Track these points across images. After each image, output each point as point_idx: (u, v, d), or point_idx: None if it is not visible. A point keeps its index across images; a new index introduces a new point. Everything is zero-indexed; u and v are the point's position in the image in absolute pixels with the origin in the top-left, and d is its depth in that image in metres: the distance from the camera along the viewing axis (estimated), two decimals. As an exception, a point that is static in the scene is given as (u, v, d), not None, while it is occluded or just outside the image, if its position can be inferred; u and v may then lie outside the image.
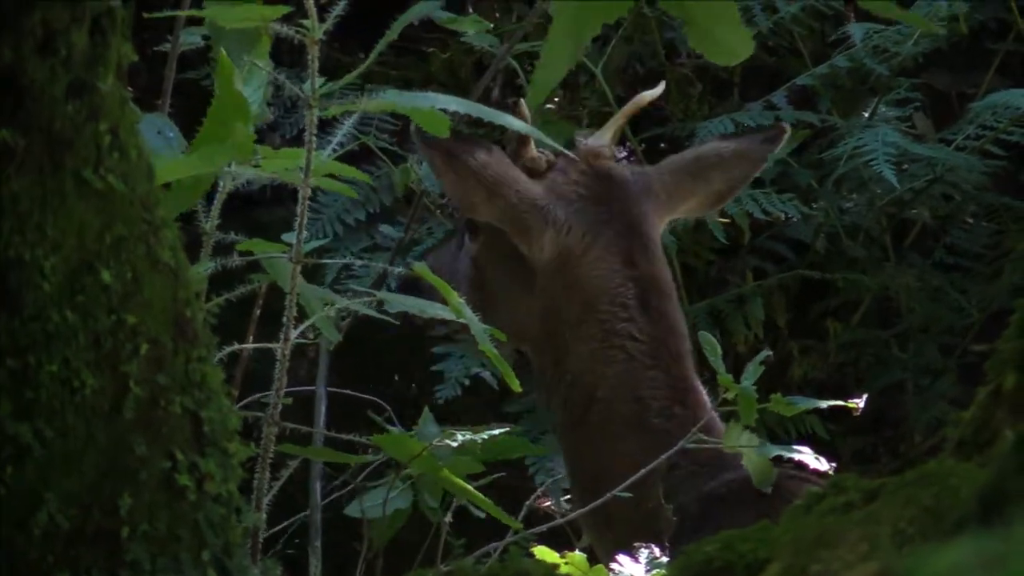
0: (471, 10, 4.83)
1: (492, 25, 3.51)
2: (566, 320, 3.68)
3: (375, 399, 3.43)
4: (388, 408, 3.36)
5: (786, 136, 3.79)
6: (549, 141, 3.09)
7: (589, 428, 3.63)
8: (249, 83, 2.87)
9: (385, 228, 5.12)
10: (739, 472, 3.31)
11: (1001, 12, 5.33)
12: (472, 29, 3.34)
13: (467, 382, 4.96)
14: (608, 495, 3.25)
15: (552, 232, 3.67)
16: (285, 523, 3.66)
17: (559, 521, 3.65)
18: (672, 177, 3.74)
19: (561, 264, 3.67)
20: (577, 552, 2.56)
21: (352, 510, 3.18)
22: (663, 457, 3.30)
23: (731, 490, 3.38)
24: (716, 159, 3.77)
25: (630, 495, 3.28)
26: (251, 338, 3.26)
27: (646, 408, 3.58)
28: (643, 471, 3.28)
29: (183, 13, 3.22)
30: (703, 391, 3.61)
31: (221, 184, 2.93)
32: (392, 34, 2.92)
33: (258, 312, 3.37)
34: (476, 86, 4.62)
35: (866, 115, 5.26)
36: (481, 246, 3.78)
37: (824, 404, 3.23)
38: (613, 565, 2.71)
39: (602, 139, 3.76)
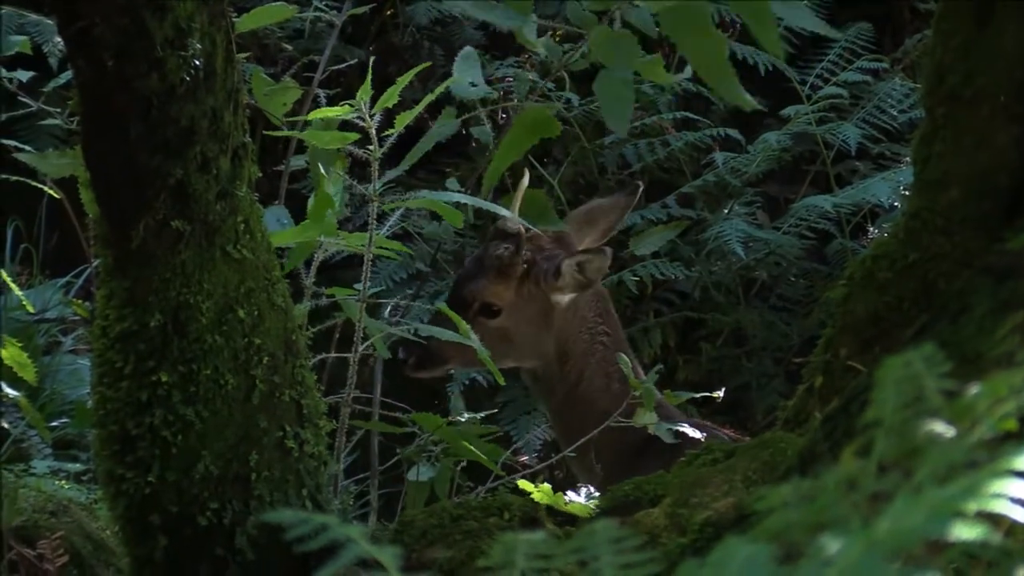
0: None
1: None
2: (571, 335, 3.65)
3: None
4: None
5: (640, 190, 3.73)
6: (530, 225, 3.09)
7: (577, 396, 3.59)
8: (333, 186, 2.86)
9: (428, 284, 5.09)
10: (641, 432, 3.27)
11: (811, 145, 5.34)
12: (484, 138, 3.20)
13: (466, 383, 4.94)
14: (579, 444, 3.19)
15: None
16: (357, 477, 3.61)
17: (530, 471, 3.62)
18: (576, 225, 3.70)
19: (571, 301, 3.61)
20: (546, 484, 2.53)
21: (410, 475, 3.11)
22: (606, 423, 3.23)
23: (646, 442, 3.32)
24: (600, 210, 3.74)
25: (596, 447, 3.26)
26: (333, 350, 3.24)
27: (612, 378, 3.56)
28: (593, 432, 3.21)
29: (291, 134, 3.13)
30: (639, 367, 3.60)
31: (316, 254, 2.92)
32: (412, 157, 2.90)
33: (337, 335, 3.35)
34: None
35: (725, 211, 5.26)
36: (504, 320, 3.67)
37: (698, 395, 3.22)
38: (565, 495, 2.65)
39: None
